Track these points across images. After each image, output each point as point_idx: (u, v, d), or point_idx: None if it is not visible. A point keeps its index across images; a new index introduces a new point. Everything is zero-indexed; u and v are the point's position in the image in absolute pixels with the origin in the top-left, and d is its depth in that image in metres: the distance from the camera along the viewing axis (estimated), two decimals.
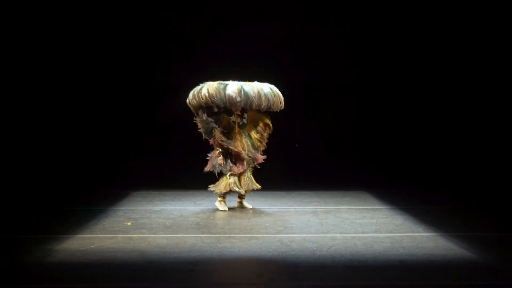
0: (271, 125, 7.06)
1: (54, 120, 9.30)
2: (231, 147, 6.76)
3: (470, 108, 9.40)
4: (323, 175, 9.31)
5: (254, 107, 6.78)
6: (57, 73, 9.31)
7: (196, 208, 7.03)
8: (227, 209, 6.88)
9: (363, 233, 5.66)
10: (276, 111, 6.99)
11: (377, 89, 9.67)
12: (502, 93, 9.20)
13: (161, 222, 6.14)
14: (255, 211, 6.79)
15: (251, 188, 6.90)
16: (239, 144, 6.80)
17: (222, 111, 6.79)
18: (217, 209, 6.87)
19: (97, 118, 9.47)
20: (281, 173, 9.36)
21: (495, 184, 8.51)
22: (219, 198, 6.95)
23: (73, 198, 7.73)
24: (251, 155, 6.88)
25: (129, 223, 6.08)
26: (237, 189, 6.80)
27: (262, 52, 9.57)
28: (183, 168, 8.69)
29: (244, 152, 6.80)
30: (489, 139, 9.23)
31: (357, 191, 8.12)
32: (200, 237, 5.48)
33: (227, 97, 6.57)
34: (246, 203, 7.07)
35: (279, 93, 6.90)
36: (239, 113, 6.86)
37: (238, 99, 6.58)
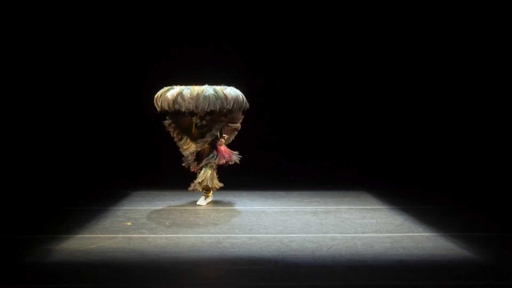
0: (237, 126, 7.25)
1: (54, 121, 9.30)
2: (179, 145, 7.12)
3: (470, 108, 9.41)
4: (323, 175, 9.32)
5: (196, 110, 6.81)
6: (57, 74, 9.32)
7: (196, 208, 7.03)
8: (203, 203, 7.21)
9: (363, 233, 5.66)
10: (244, 110, 7.15)
11: (378, 89, 9.68)
12: (502, 93, 9.20)
13: (161, 222, 6.14)
14: (255, 211, 6.79)
15: (208, 183, 7.05)
16: (188, 143, 7.10)
17: (187, 113, 6.99)
18: (218, 207, 6.91)
19: (97, 119, 9.48)
20: (281, 173, 9.39)
21: (495, 184, 8.51)
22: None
23: (73, 198, 7.72)
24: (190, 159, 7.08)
25: (129, 223, 6.08)
26: (195, 187, 7.11)
27: (263, 51, 9.60)
28: (183, 168, 8.70)
29: (191, 150, 7.05)
30: (489, 139, 9.23)
31: (357, 191, 8.12)
32: (200, 237, 5.48)
33: (166, 100, 6.78)
34: (200, 200, 7.24)
35: (230, 95, 6.86)
36: (203, 115, 7.04)
37: (172, 103, 6.72)
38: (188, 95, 6.71)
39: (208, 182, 7.04)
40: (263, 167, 9.28)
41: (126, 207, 6.97)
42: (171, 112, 6.98)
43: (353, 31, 9.61)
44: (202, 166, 7.09)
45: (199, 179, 7.07)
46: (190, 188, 7.13)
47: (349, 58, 9.66)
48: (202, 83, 7.00)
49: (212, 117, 7.11)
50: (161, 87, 8.40)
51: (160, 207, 7.02)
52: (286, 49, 9.67)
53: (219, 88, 6.89)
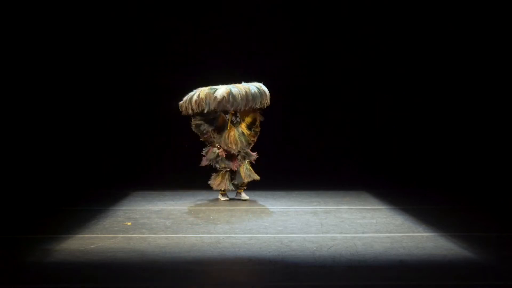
0: (258, 118, 7.40)
1: (54, 121, 9.31)
2: (223, 145, 7.16)
3: (470, 108, 9.40)
4: (323, 175, 9.32)
5: (243, 108, 7.10)
6: (58, 74, 9.32)
7: (196, 208, 7.04)
8: (228, 198, 7.41)
9: (363, 233, 5.66)
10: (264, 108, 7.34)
11: (378, 89, 9.68)
12: (502, 93, 9.20)
13: (161, 222, 6.14)
14: (255, 211, 6.80)
15: (251, 178, 7.34)
16: (232, 141, 7.17)
17: (219, 111, 7.16)
18: (218, 207, 6.93)
19: (98, 119, 9.48)
20: (281, 173, 9.39)
21: (495, 184, 8.51)
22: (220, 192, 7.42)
23: (73, 198, 7.73)
24: (246, 150, 7.28)
25: (129, 223, 6.08)
26: (230, 187, 7.29)
27: (263, 51, 9.60)
28: (183, 168, 8.72)
29: (235, 148, 7.17)
30: (489, 139, 9.23)
31: (357, 191, 8.12)
32: (200, 237, 5.48)
33: (216, 100, 6.88)
34: (244, 195, 7.45)
35: (266, 90, 7.24)
36: (233, 112, 7.23)
37: (227, 103, 6.92)
38: (239, 94, 6.94)
39: (254, 176, 7.36)
40: (263, 167, 9.27)
41: (126, 207, 6.97)
42: (203, 113, 7.08)
43: (353, 31, 9.61)
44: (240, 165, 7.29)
45: (249, 179, 7.27)
46: (218, 187, 7.31)
47: (349, 58, 9.66)
48: (204, 83, 7.07)
49: (246, 111, 7.29)
50: (161, 87, 8.49)
51: (160, 207, 7.02)
52: (286, 49, 9.67)
53: (258, 85, 7.17)
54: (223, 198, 7.42)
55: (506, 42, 9.11)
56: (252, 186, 8.07)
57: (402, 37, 9.53)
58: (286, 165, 9.64)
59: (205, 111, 7.02)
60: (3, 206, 7.01)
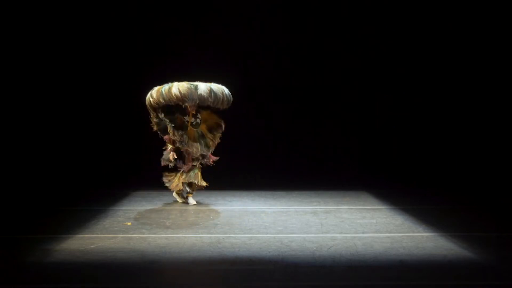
0: (223, 125, 7.22)
1: (54, 120, 9.31)
2: (182, 147, 6.98)
3: (471, 108, 9.41)
4: (323, 175, 9.32)
5: (218, 106, 6.96)
6: (58, 74, 9.32)
7: (196, 208, 7.04)
8: (180, 201, 7.23)
9: (363, 233, 5.66)
10: (224, 109, 7.14)
11: (377, 88, 9.68)
12: (502, 93, 9.21)
13: (161, 222, 6.14)
14: (255, 211, 6.79)
15: (199, 185, 7.16)
16: (192, 144, 7.00)
17: (177, 111, 6.97)
18: (218, 207, 6.91)
19: (97, 119, 9.48)
20: (281, 173, 9.40)
21: (495, 184, 8.51)
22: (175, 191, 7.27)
23: (73, 198, 7.72)
24: (204, 153, 7.08)
25: (129, 223, 6.08)
26: (187, 188, 7.15)
27: (263, 51, 9.60)
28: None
29: (195, 151, 7.01)
30: (489, 139, 9.23)
31: (357, 191, 8.12)
32: (200, 237, 5.48)
33: (199, 97, 6.74)
34: (191, 200, 7.24)
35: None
36: (193, 113, 7.04)
37: (210, 99, 6.80)
38: (218, 91, 6.82)
39: (201, 182, 7.15)
40: (264, 167, 9.28)
41: (126, 207, 6.97)
42: (162, 110, 6.90)
43: (353, 31, 9.61)
44: (192, 167, 7.09)
45: (192, 180, 7.08)
46: (175, 189, 7.15)
47: (349, 58, 9.66)
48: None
49: (208, 114, 7.17)
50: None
51: (160, 207, 7.02)
52: (286, 49, 9.67)
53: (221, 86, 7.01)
54: (180, 200, 7.23)
55: (506, 42, 9.11)
56: (252, 186, 8.10)
57: (402, 37, 9.54)
58: (286, 165, 9.64)
59: (184, 105, 6.84)
60: (3, 206, 7.01)
